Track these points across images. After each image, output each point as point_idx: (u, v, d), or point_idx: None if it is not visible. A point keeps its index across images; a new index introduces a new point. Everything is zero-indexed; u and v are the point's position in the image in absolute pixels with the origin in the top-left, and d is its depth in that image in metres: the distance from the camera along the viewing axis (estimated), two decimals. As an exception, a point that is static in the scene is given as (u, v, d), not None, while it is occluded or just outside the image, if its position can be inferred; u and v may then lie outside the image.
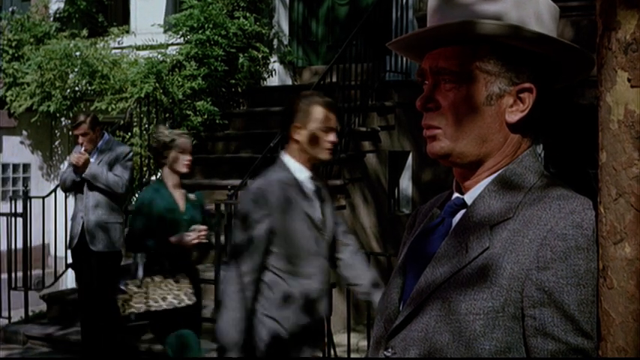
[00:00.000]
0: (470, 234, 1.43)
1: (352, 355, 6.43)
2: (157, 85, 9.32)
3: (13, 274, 8.29)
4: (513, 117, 1.45)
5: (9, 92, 10.87)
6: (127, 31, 11.11)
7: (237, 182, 7.42)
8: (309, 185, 3.58)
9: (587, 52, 1.48)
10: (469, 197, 1.50)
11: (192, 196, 5.43)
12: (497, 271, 1.36)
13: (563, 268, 1.32)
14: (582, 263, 1.32)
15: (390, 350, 1.49)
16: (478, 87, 1.44)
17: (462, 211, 1.51)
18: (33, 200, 8.47)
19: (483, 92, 1.44)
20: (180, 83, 9.45)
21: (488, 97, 1.44)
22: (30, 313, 8.40)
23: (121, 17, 11.77)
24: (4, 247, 8.50)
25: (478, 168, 1.49)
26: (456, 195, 1.55)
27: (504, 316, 1.35)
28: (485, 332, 1.35)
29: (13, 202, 8.46)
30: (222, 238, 6.84)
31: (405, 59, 9.17)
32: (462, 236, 1.44)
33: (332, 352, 6.20)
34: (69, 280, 9.95)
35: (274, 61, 10.38)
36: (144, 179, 9.42)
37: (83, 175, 6.56)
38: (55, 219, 8.63)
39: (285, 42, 10.54)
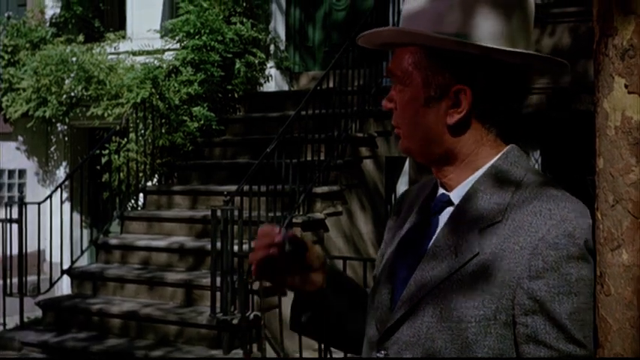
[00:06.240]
0: (459, 237, 1.42)
1: (349, 362, 6.42)
2: (153, 90, 9.31)
3: (8, 281, 8.27)
4: (451, 119, 1.45)
5: (5, 98, 10.87)
6: (124, 37, 11.10)
7: (233, 188, 7.41)
8: None
9: (522, 52, 1.46)
10: (455, 195, 1.50)
11: None
12: (488, 278, 1.36)
13: (554, 278, 1.32)
14: (574, 272, 1.32)
15: (382, 352, 1.49)
16: (417, 89, 1.47)
17: (449, 209, 1.50)
18: (28, 206, 8.45)
19: (422, 94, 1.47)
20: (177, 89, 9.45)
21: (426, 99, 1.46)
22: (25, 320, 8.37)
23: (118, 23, 11.76)
24: (-1, 253, 8.49)
25: (446, 166, 1.50)
26: (441, 191, 1.54)
27: (496, 324, 1.35)
28: (478, 340, 1.36)
29: (8, 208, 8.44)
30: (219, 244, 6.82)
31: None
32: (450, 239, 1.44)
33: (329, 355, 6.19)
34: (64, 287, 9.93)
35: (271, 67, 10.38)
36: (140, 185, 9.41)
37: None
38: (51, 225, 8.61)
39: (282, 47, 10.54)
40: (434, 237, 1.48)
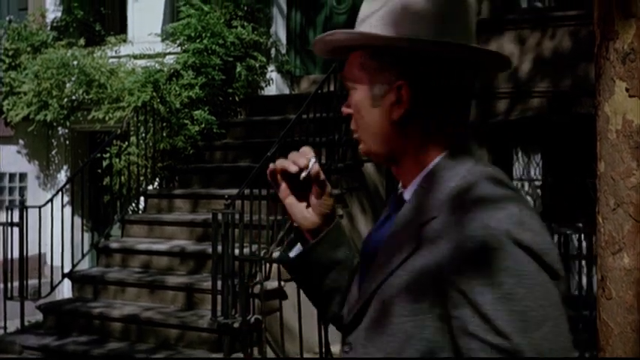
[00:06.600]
0: (403, 234, 1.47)
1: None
2: (154, 94, 9.31)
3: (9, 284, 8.26)
4: (394, 115, 1.51)
5: (6, 101, 10.86)
6: (125, 40, 11.10)
7: (234, 192, 7.41)
8: None
9: (456, 44, 1.50)
10: (407, 193, 1.55)
11: None
12: (423, 273, 1.40)
13: (473, 270, 1.34)
14: (492, 263, 1.33)
15: (347, 347, 1.57)
16: (365, 90, 1.55)
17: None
18: (29, 210, 8.45)
19: (369, 94, 1.54)
20: (178, 92, 9.45)
21: (372, 98, 1.53)
22: (26, 323, 8.37)
23: (119, 26, 11.76)
24: (0, 257, 8.48)
25: (398, 166, 1.56)
26: (400, 190, 1.60)
27: (432, 317, 1.39)
28: (416, 333, 1.40)
29: (9, 211, 8.43)
30: (220, 247, 6.82)
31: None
32: (397, 236, 1.49)
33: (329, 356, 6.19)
34: (65, 290, 9.93)
35: (272, 70, 10.37)
36: (140, 188, 9.41)
37: None
38: (52, 229, 8.62)
39: (283, 51, 10.54)
40: (387, 236, 1.54)
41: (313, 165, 1.62)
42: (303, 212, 1.69)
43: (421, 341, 1.40)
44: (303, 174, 1.62)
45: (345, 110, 1.61)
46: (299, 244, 1.75)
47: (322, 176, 1.65)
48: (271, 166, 1.66)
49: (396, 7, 1.51)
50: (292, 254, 1.75)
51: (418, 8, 1.50)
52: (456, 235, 1.37)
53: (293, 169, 1.62)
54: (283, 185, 1.68)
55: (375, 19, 1.53)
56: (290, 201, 1.69)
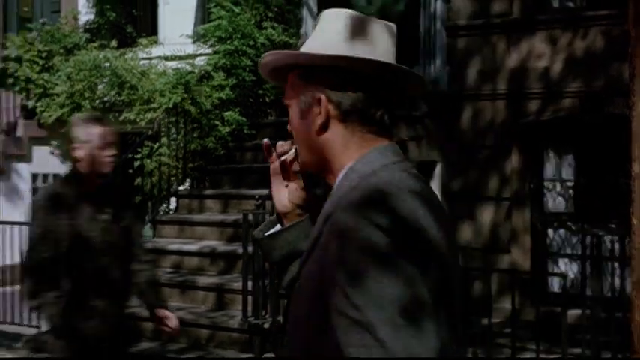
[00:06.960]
0: (316, 232, 1.61)
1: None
2: (185, 95, 9.37)
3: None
4: (315, 126, 1.67)
5: (39, 103, 10.99)
6: (156, 42, 11.18)
7: (265, 192, 7.43)
8: None
9: (372, 60, 1.65)
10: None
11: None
12: (318, 259, 1.54)
13: (335, 249, 1.45)
14: (349, 242, 1.43)
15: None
16: (295, 107, 1.72)
17: None
18: (62, 210, 8.52)
19: (298, 109, 1.71)
20: (209, 93, 9.50)
21: (300, 112, 1.71)
22: (59, 322, 8.45)
23: (150, 28, 11.85)
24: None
25: (325, 173, 1.71)
26: None
27: (322, 299, 1.48)
28: (310, 315, 1.53)
29: (43, 211, 8.51)
30: (250, 248, 6.84)
31: (433, 69, 9.13)
32: (313, 235, 1.63)
33: None
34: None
35: (302, 71, 10.37)
36: (172, 189, 9.46)
37: None
38: (84, 228, 8.68)
39: (313, 52, 10.54)
40: None
41: (290, 154, 1.81)
42: (279, 194, 1.89)
43: (313, 321, 1.52)
44: (282, 158, 1.83)
45: (289, 129, 1.77)
46: (278, 225, 1.90)
47: (296, 168, 1.82)
48: (265, 140, 1.87)
49: (323, 32, 1.70)
50: (268, 233, 1.90)
51: (337, 32, 1.68)
52: (336, 225, 1.48)
53: (279, 150, 1.85)
54: (276, 164, 1.86)
55: (305, 43, 1.72)
56: (275, 180, 1.89)
